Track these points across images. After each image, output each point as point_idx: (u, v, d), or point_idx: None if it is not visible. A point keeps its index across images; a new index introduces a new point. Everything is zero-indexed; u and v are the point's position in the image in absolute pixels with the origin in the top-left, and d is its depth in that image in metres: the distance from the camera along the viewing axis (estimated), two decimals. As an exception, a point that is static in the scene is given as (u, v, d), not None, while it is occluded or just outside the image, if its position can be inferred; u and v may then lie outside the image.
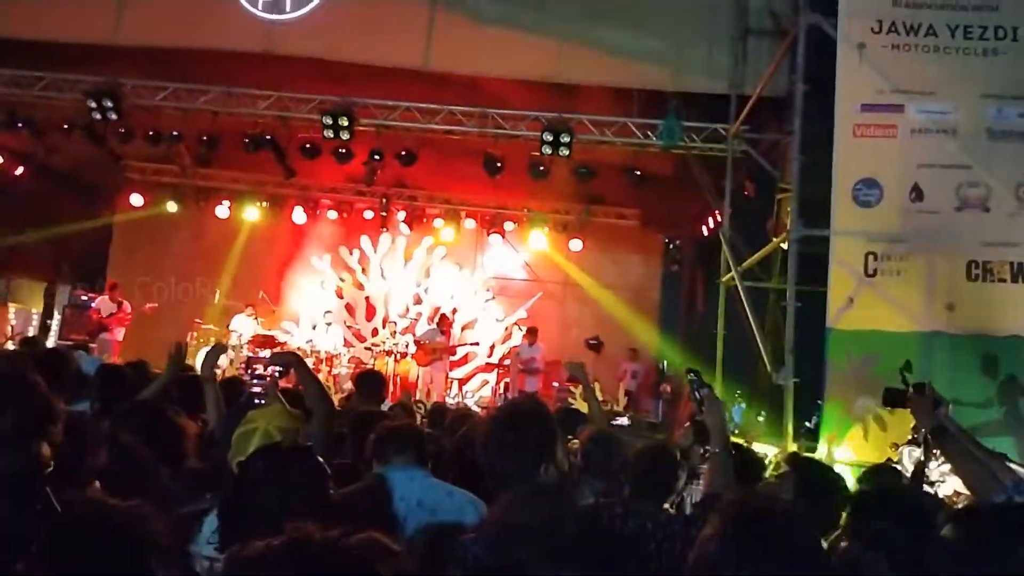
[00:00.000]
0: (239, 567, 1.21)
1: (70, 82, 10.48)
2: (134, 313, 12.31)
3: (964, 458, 2.78)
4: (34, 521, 1.10)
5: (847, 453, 6.43)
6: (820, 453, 6.42)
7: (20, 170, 12.89)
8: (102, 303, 12.25)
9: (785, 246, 7.43)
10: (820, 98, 7.17)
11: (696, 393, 3.08)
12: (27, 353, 5.36)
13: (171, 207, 14.11)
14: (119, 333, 12.13)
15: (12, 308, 13.59)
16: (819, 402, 7.03)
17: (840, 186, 6.61)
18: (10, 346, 10.93)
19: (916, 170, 6.59)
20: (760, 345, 7.69)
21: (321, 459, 2.07)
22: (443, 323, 12.30)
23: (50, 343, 12.37)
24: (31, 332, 13.44)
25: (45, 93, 10.59)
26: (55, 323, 13.48)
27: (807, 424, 6.97)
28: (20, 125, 10.82)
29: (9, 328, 13.11)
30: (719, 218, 10.19)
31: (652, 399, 13.31)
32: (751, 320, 7.96)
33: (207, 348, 11.68)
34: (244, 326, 12.66)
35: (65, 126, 10.85)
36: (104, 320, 12.01)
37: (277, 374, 5.18)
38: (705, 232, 12.05)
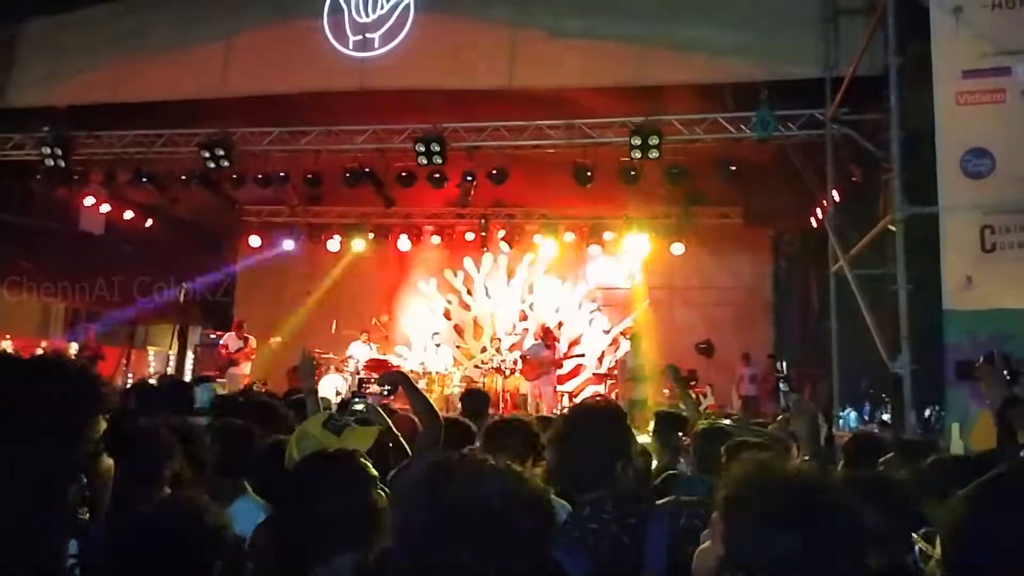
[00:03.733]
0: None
1: (185, 136, 11.28)
2: (259, 348, 13.09)
3: None
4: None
5: (979, 442, 6.00)
6: (951, 444, 6.03)
7: (149, 223, 13.95)
8: (229, 340, 13.06)
9: (893, 227, 7.05)
10: (920, 71, 6.80)
11: (787, 401, 3.00)
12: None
13: (286, 245, 14.90)
14: (246, 367, 12.90)
15: (151, 351, 14.68)
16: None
17: (946, 159, 6.22)
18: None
19: (1031, 134, 6.12)
20: (875, 334, 7.31)
21: (366, 463, 2.12)
22: (547, 337, 12.35)
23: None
24: (169, 372, 14.46)
25: (164, 149, 11.44)
26: (188, 362, 14.44)
27: (928, 414, 6.56)
28: (145, 180, 11.73)
29: (150, 369, 14.16)
30: (827, 207, 9.78)
31: (773, 402, 12.85)
32: (864, 309, 7.58)
33: (327, 375, 12.39)
34: (360, 352, 13.15)
35: (183, 177, 11.67)
36: (232, 355, 12.81)
37: (386, 392, 5.35)
38: (814, 223, 11.58)
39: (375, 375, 12.15)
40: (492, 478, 1.27)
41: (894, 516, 1.96)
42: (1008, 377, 2.81)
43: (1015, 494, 1.23)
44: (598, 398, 3.67)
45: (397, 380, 4.25)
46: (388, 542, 1.72)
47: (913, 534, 1.72)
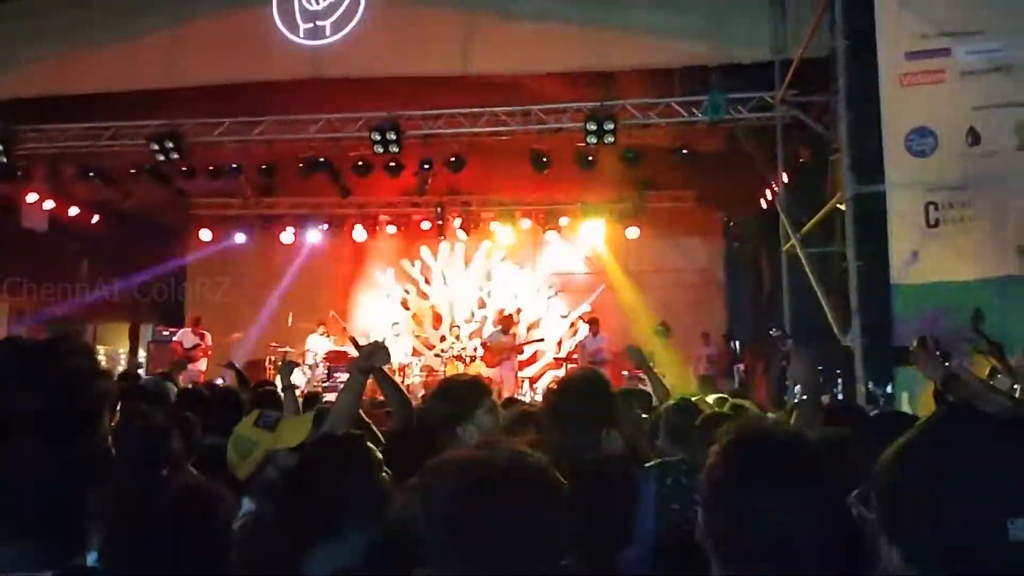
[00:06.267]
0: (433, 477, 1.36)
1: (133, 129, 10.98)
2: (216, 343, 12.88)
3: (983, 401, 2.72)
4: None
5: (927, 411, 6.26)
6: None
7: (96, 218, 13.60)
8: (184, 336, 12.82)
9: (842, 206, 7.28)
10: (865, 53, 7.01)
11: (781, 346, 3.11)
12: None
13: (238, 238, 14.67)
14: (202, 364, 12.68)
15: (101, 350, 14.32)
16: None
17: (891, 138, 6.44)
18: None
19: (971, 113, 6.37)
20: (826, 310, 7.55)
21: (372, 447, 2.18)
22: (506, 323, 12.43)
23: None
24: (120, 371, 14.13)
25: (112, 142, 11.13)
26: (141, 360, 14.14)
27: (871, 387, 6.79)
28: (92, 175, 11.41)
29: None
30: (776, 189, 10.03)
31: (728, 380, 13.13)
32: (815, 286, 7.82)
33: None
34: (318, 345, 13.06)
35: (133, 171, 11.40)
36: (187, 352, 12.59)
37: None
38: (764, 205, 11.85)
39: (335, 367, 12.15)
40: (524, 465, 1.35)
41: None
42: (941, 358, 2.98)
43: (946, 439, 1.17)
44: (584, 368, 3.69)
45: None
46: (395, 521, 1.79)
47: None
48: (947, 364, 3.04)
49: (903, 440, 1.20)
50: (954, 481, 1.09)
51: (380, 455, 2.20)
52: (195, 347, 12.64)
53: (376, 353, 3.07)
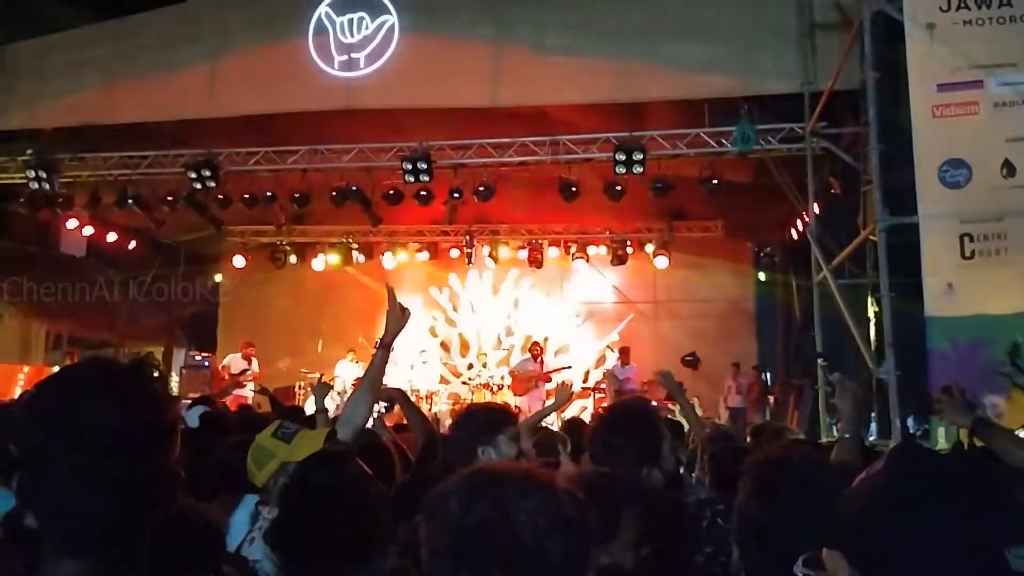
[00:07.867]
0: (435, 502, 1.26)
1: (171, 157, 11.26)
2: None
3: (1013, 444, 2.67)
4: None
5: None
6: (938, 447, 6.15)
7: (133, 244, 13.89)
8: (233, 361, 12.94)
9: (874, 238, 7.22)
10: (896, 84, 7.01)
11: (828, 378, 3.07)
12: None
13: (271, 265, 14.88)
14: (248, 389, 12.79)
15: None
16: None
17: (924, 170, 6.40)
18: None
19: (1005, 144, 6.32)
20: (859, 343, 7.45)
21: (360, 463, 2.17)
22: (534, 351, 12.42)
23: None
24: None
25: (150, 170, 11.42)
26: (174, 384, 14.31)
27: (918, 425, 6.68)
28: (130, 202, 11.67)
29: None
30: (808, 219, 9.97)
31: (758, 412, 12.98)
32: (847, 318, 7.73)
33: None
34: (347, 370, 13.13)
35: (169, 198, 11.65)
36: (235, 378, 12.71)
37: (384, 409, 5.41)
38: (795, 235, 11.77)
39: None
40: (529, 495, 1.20)
41: None
42: (968, 406, 2.94)
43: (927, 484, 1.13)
44: (631, 400, 3.59)
45: (395, 397, 4.34)
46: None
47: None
48: (975, 410, 3.01)
49: (865, 490, 1.18)
50: (928, 527, 1.09)
51: (367, 470, 2.17)
52: (242, 372, 12.77)
53: (395, 324, 3.06)
